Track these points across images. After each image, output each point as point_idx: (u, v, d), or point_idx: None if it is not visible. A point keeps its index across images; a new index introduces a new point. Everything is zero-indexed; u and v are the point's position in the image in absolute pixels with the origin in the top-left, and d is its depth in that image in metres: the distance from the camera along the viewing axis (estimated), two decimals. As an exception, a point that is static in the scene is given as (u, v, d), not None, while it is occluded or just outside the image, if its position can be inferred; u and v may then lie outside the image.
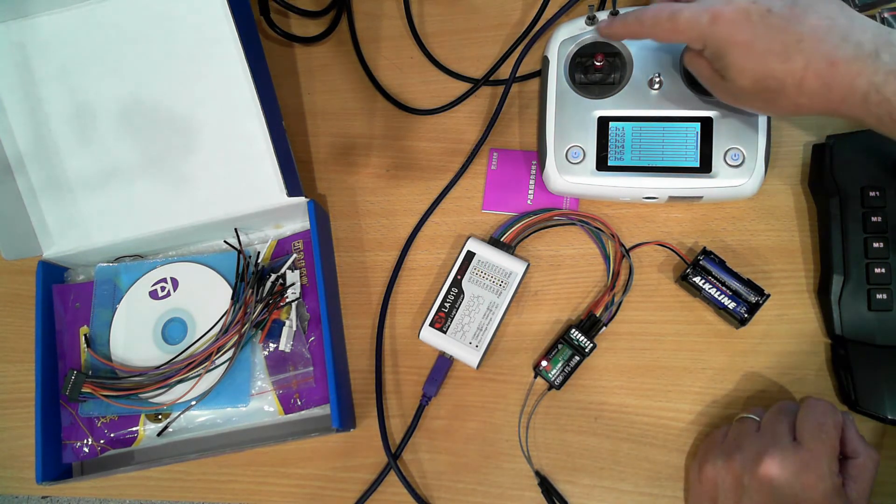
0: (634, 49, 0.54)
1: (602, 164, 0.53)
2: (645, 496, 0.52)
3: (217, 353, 0.52)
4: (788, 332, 0.53)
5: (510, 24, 0.62)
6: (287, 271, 0.55)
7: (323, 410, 0.54)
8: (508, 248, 0.56)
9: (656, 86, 0.52)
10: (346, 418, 0.53)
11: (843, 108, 0.40)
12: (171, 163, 0.56)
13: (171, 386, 0.53)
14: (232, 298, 0.54)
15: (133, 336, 0.55)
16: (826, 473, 0.41)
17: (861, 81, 0.39)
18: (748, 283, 0.51)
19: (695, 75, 0.48)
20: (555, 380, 0.53)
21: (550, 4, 0.61)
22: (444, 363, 0.55)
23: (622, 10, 0.54)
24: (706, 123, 0.52)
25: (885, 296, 0.49)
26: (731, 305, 0.51)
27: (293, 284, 0.55)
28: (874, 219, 0.50)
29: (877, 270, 0.50)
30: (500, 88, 0.60)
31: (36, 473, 0.52)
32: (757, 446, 0.44)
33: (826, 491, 0.41)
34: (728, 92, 0.46)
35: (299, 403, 0.53)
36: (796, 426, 0.44)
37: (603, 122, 0.53)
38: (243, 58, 0.52)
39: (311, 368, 0.54)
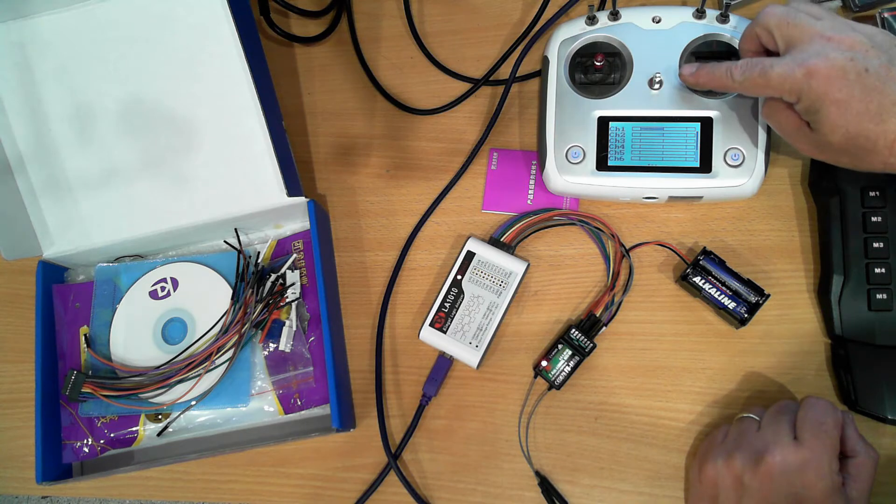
0: (634, 49, 0.53)
1: (602, 164, 0.53)
2: (645, 496, 0.52)
3: (217, 353, 0.52)
4: (788, 332, 0.53)
5: (510, 24, 0.62)
6: (287, 271, 0.55)
7: (323, 410, 0.54)
8: (508, 248, 0.56)
9: (656, 86, 0.52)
10: (346, 418, 0.53)
11: None
12: (171, 163, 0.56)
13: (171, 386, 0.53)
14: (232, 298, 0.54)
15: (133, 336, 0.55)
16: (827, 472, 0.41)
17: None
18: (748, 283, 0.51)
19: (774, 127, 0.48)
20: (555, 380, 0.53)
21: (550, 4, 0.61)
22: (444, 363, 0.55)
23: (622, 10, 0.54)
24: (706, 123, 0.52)
25: (885, 296, 0.49)
26: (732, 305, 0.51)
27: (293, 284, 0.55)
28: (874, 219, 0.50)
29: (877, 270, 0.50)
30: (500, 88, 0.60)
31: (36, 473, 0.52)
32: (757, 445, 0.44)
33: (827, 489, 0.41)
34: (815, 144, 0.45)
35: (299, 403, 0.53)
36: (796, 425, 0.44)
37: (603, 122, 0.53)
38: (243, 58, 0.53)
39: (311, 368, 0.54)
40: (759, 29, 0.46)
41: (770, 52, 0.46)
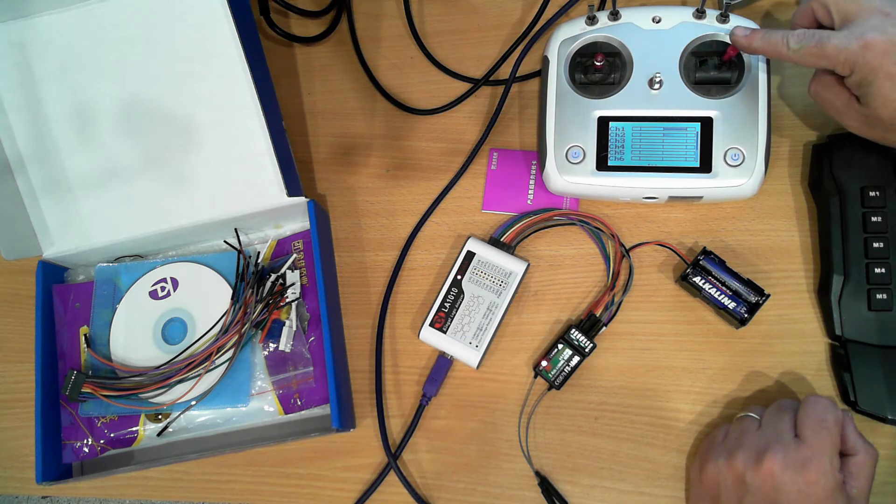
0: (634, 49, 0.53)
1: (602, 164, 0.53)
2: (645, 496, 0.52)
3: (217, 353, 0.52)
4: (788, 332, 0.53)
5: (510, 24, 0.62)
6: (287, 271, 0.55)
7: (323, 410, 0.54)
8: (508, 248, 0.56)
9: (656, 86, 0.52)
10: (346, 418, 0.53)
11: None
12: (171, 163, 0.56)
13: (171, 386, 0.53)
14: (232, 298, 0.54)
15: (133, 336, 0.55)
16: (828, 469, 0.41)
17: None
18: (748, 283, 0.51)
19: (820, 103, 0.48)
20: (555, 380, 0.53)
21: (550, 4, 0.61)
22: (444, 363, 0.55)
23: (622, 10, 0.54)
24: (706, 123, 0.52)
25: (885, 296, 0.49)
26: (732, 305, 0.51)
27: (293, 284, 0.55)
28: (874, 219, 0.50)
29: (877, 270, 0.50)
30: (500, 88, 0.60)
31: (36, 473, 0.52)
32: (758, 444, 0.44)
33: (828, 486, 0.41)
34: (863, 119, 0.46)
35: (299, 403, 0.53)
36: (797, 423, 0.44)
37: (603, 122, 0.53)
38: (243, 58, 0.53)
39: (311, 368, 0.54)
40: (815, 4, 0.46)
41: (825, 28, 0.46)
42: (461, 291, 0.55)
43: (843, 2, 0.44)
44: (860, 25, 0.43)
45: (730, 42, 0.50)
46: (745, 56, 0.52)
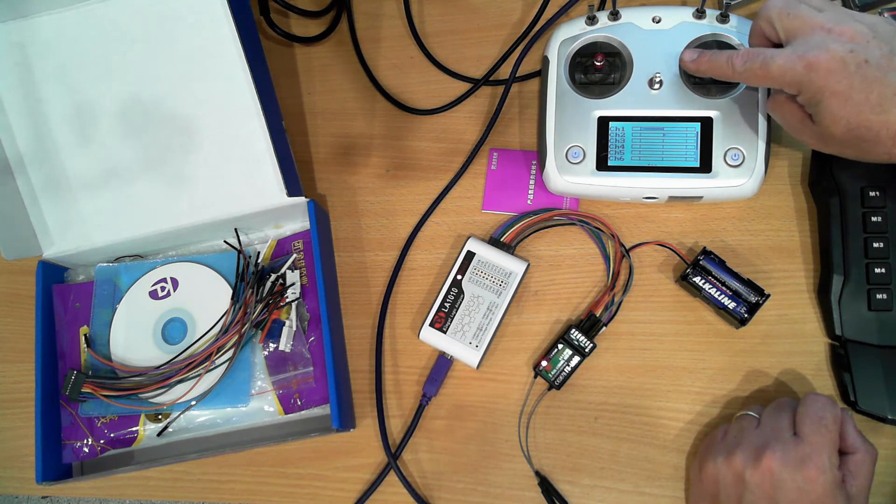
0: (634, 49, 0.53)
1: (602, 164, 0.53)
2: (645, 496, 0.52)
3: (217, 353, 0.52)
4: (788, 332, 0.53)
5: (510, 24, 0.62)
6: (287, 271, 0.55)
7: (323, 410, 0.54)
8: (508, 248, 0.56)
9: (656, 86, 0.52)
10: (346, 418, 0.53)
11: None
12: (171, 163, 0.56)
13: (171, 386, 0.53)
14: (232, 298, 0.54)
15: (133, 336, 0.55)
16: (827, 466, 0.42)
17: None
18: (748, 283, 0.51)
19: (778, 120, 0.48)
20: (555, 380, 0.53)
21: (550, 4, 0.61)
22: (444, 363, 0.55)
23: (622, 10, 0.54)
24: (706, 123, 0.52)
25: (885, 296, 0.49)
26: (732, 305, 0.51)
27: (293, 284, 0.55)
28: (874, 219, 0.50)
29: (877, 270, 0.50)
30: (500, 88, 0.60)
31: (36, 473, 0.52)
32: (757, 442, 0.44)
33: (827, 484, 0.41)
34: (818, 137, 0.45)
35: (299, 403, 0.53)
36: (796, 421, 0.44)
37: (603, 122, 0.53)
38: (243, 58, 0.53)
39: (311, 368, 0.54)
40: (762, 21, 0.46)
41: (776, 45, 0.46)
42: (461, 291, 0.55)
43: (787, 19, 0.44)
44: (804, 43, 0.43)
45: (682, 54, 0.51)
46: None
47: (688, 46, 0.53)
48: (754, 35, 0.47)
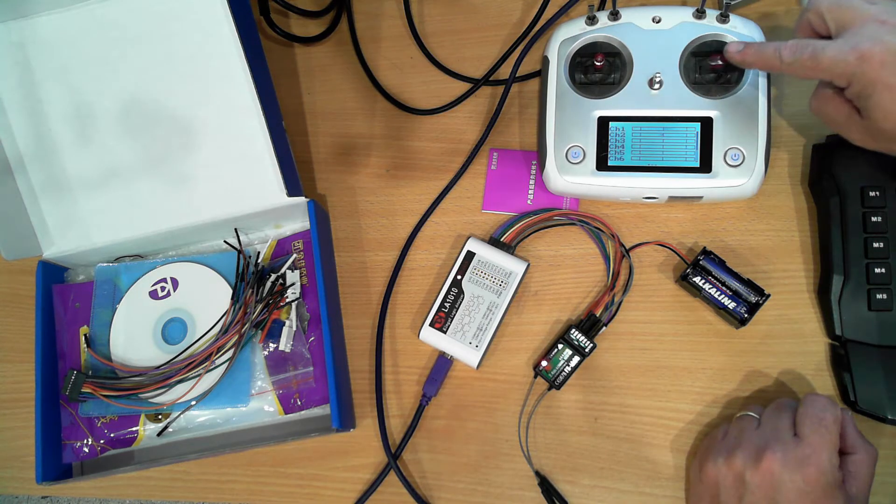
0: (634, 49, 0.53)
1: (602, 164, 0.53)
2: (645, 496, 0.52)
3: (217, 353, 0.52)
4: (788, 332, 0.53)
5: (510, 24, 0.62)
6: (287, 271, 0.55)
7: (323, 410, 0.54)
8: (508, 248, 0.56)
9: (656, 86, 0.52)
10: (346, 418, 0.53)
11: None
12: (171, 163, 0.56)
13: (171, 386, 0.53)
14: (232, 298, 0.54)
15: (133, 336, 0.55)
16: (827, 467, 0.41)
17: None
18: (748, 283, 0.51)
19: (822, 116, 0.47)
20: (555, 380, 0.53)
21: (550, 4, 0.61)
22: (444, 363, 0.55)
23: (622, 10, 0.54)
24: (706, 123, 0.52)
25: (885, 296, 0.49)
26: (732, 305, 0.51)
27: (293, 284, 0.55)
28: (874, 219, 0.50)
29: (877, 270, 0.50)
30: (500, 88, 0.60)
31: (36, 473, 0.52)
32: (757, 442, 0.44)
33: (827, 484, 0.41)
34: (866, 132, 0.44)
35: (299, 403, 0.53)
36: (796, 421, 0.44)
37: (603, 122, 0.53)
38: (243, 58, 0.52)
39: (311, 368, 0.54)
40: (811, 14, 0.45)
41: (823, 38, 0.45)
42: (461, 291, 0.55)
43: (839, 9, 0.43)
44: (856, 35, 0.42)
45: (728, 46, 0.50)
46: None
47: (687, 49, 0.52)
48: (801, 28, 0.46)
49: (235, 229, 0.57)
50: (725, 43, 0.52)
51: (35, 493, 0.87)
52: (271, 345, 0.54)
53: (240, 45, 0.52)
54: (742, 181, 0.51)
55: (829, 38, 0.44)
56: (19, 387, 0.61)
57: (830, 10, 0.43)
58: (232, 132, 0.55)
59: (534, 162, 0.58)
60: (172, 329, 0.56)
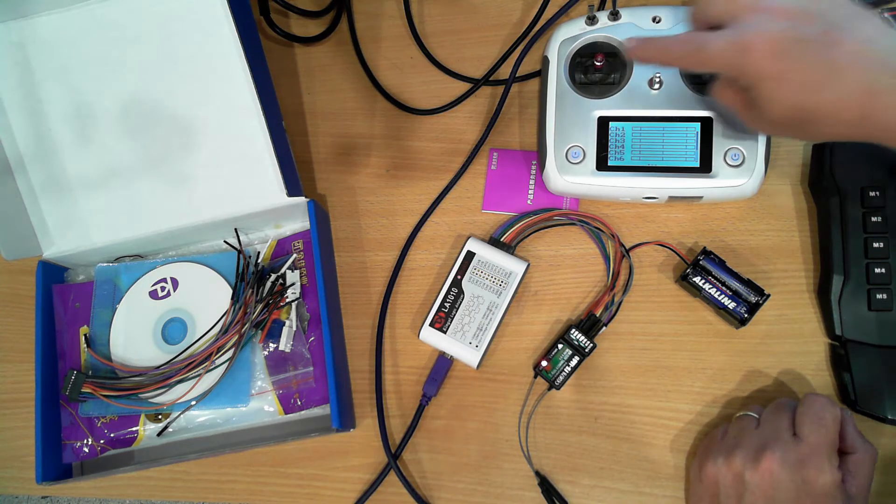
0: (634, 49, 0.53)
1: (602, 164, 0.53)
2: (645, 496, 0.52)
3: (217, 353, 0.52)
4: (788, 332, 0.53)
5: (510, 24, 0.62)
6: (287, 271, 0.55)
7: (323, 410, 0.54)
8: (508, 248, 0.56)
9: (656, 86, 0.52)
10: (346, 418, 0.53)
11: (883, 137, 0.39)
12: (171, 163, 0.56)
13: (171, 386, 0.53)
14: (232, 298, 0.54)
15: (133, 336, 0.55)
16: (826, 466, 0.42)
17: None
18: (748, 283, 0.51)
19: (722, 106, 0.47)
20: (555, 380, 0.53)
21: (550, 4, 0.61)
22: (444, 363, 0.55)
23: (622, 10, 0.54)
24: (706, 123, 0.52)
25: (885, 296, 0.49)
26: (731, 305, 0.51)
27: (293, 284, 0.55)
28: (874, 219, 0.50)
29: (877, 270, 0.50)
30: (500, 88, 0.60)
31: (36, 473, 0.52)
32: (757, 442, 0.44)
33: (826, 484, 0.41)
34: (760, 121, 0.44)
35: (299, 403, 0.53)
36: (795, 421, 0.44)
37: (603, 122, 0.53)
38: (243, 58, 0.52)
39: (311, 368, 0.54)
40: (701, 4, 0.44)
41: (715, 29, 0.44)
42: (461, 291, 0.55)
43: (722, 1, 0.42)
44: (739, 25, 0.41)
45: (625, 42, 0.49)
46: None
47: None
48: (693, 20, 0.45)
49: (235, 229, 0.57)
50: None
51: (35, 493, 0.87)
52: (271, 345, 0.54)
53: (240, 45, 0.52)
54: (742, 181, 0.51)
55: (719, 28, 0.43)
56: (19, 387, 0.61)
57: (716, 1, 0.43)
58: (232, 132, 0.55)
59: (534, 162, 0.58)
60: (172, 329, 0.56)
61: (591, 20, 0.54)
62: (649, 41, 0.46)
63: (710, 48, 0.42)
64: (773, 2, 0.40)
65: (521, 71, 0.59)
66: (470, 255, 0.55)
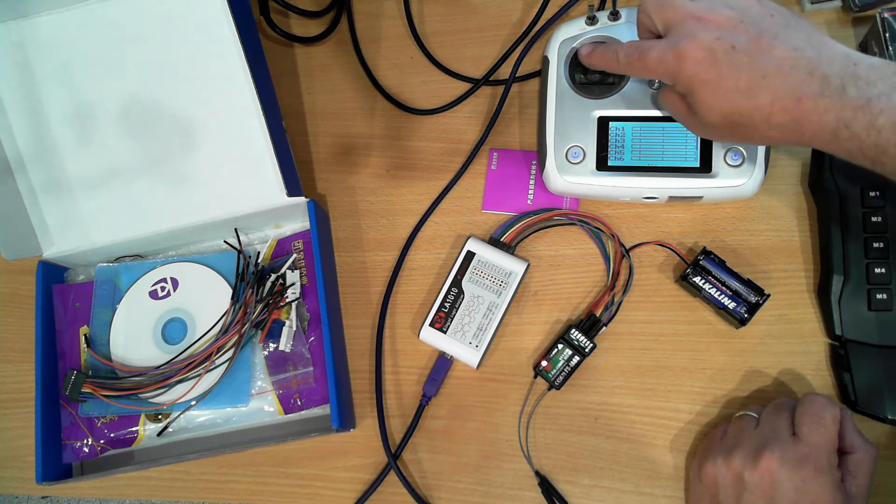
0: (634, 49, 0.53)
1: (602, 164, 0.53)
2: (645, 496, 0.52)
3: (217, 353, 0.52)
4: (788, 332, 0.53)
5: (510, 24, 0.62)
6: (287, 271, 0.55)
7: (323, 410, 0.54)
8: (508, 248, 0.56)
9: (656, 85, 0.52)
10: (346, 418, 0.53)
11: (814, 141, 0.40)
12: (171, 163, 0.56)
13: (171, 386, 0.53)
14: (232, 298, 0.54)
15: (133, 336, 0.55)
16: (826, 466, 0.42)
17: (829, 118, 0.38)
18: (748, 283, 0.51)
19: (668, 111, 0.49)
20: (555, 380, 0.53)
21: (550, 4, 0.61)
22: (444, 363, 0.55)
23: (622, 10, 0.54)
24: (706, 123, 0.52)
25: (885, 296, 0.49)
26: (731, 305, 0.51)
27: (293, 284, 0.55)
28: (874, 219, 0.50)
29: (877, 270, 0.50)
30: (500, 88, 0.60)
31: (36, 473, 0.52)
32: (756, 442, 0.44)
33: (826, 484, 0.41)
34: (700, 126, 0.46)
35: (299, 403, 0.53)
36: (795, 420, 0.44)
37: (603, 122, 0.53)
38: (243, 58, 0.52)
39: (311, 368, 0.54)
40: (641, 14, 0.46)
41: (659, 36, 0.46)
42: (461, 291, 0.55)
43: (661, 9, 0.44)
44: (675, 34, 0.42)
45: (580, 48, 0.51)
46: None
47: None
48: (639, 27, 0.47)
49: (235, 229, 0.57)
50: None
51: (35, 493, 0.87)
52: (271, 345, 0.54)
53: (240, 45, 0.52)
54: (742, 181, 0.51)
55: (660, 36, 0.45)
56: (19, 387, 0.61)
57: (655, 10, 0.44)
58: (232, 132, 0.55)
59: (534, 162, 0.58)
60: (172, 329, 0.56)
61: (591, 20, 0.54)
62: (599, 47, 0.49)
63: (650, 56, 0.43)
64: (708, 11, 0.42)
65: (521, 71, 0.59)
66: (470, 255, 0.55)
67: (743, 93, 0.40)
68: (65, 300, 0.57)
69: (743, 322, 0.51)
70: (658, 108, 0.52)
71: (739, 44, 0.40)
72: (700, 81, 0.42)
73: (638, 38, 0.48)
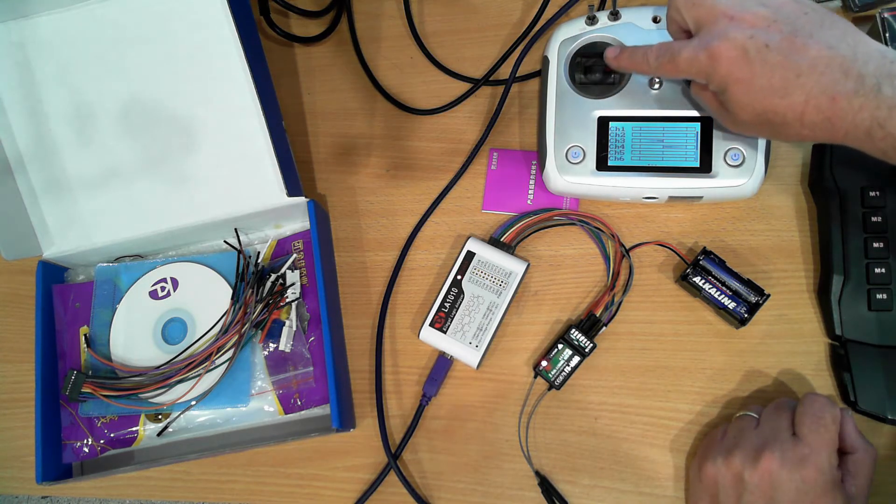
0: (634, 49, 0.53)
1: (602, 164, 0.53)
2: (645, 496, 0.52)
3: (217, 353, 0.52)
4: (788, 332, 0.53)
5: (510, 24, 0.62)
6: (287, 271, 0.55)
7: (323, 410, 0.54)
8: (508, 248, 0.56)
9: (656, 86, 0.52)
10: (346, 418, 0.53)
11: (847, 140, 0.40)
12: (171, 163, 0.56)
13: (171, 386, 0.53)
14: (232, 298, 0.54)
15: (133, 336, 0.55)
16: (826, 466, 0.42)
17: (864, 116, 0.38)
18: (748, 283, 0.51)
19: (703, 107, 0.49)
20: (555, 380, 0.53)
21: (550, 4, 0.61)
22: (444, 363, 0.55)
23: (622, 10, 0.54)
24: (706, 123, 0.52)
25: (885, 296, 0.49)
26: (731, 305, 0.51)
27: (293, 284, 0.55)
28: (874, 219, 0.50)
29: (877, 270, 0.50)
30: (500, 88, 0.60)
31: (36, 473, 0.52)
32: (756, 442, 0.44)
33: (826, 484, 0.41)
34: (733, 123, 0.46)
35: (299, 403, 0.53)
36: (795, 421, 0.44)
37: (603, 122, 0.53)
38: (243, 58, 0.52)
39: (311, 368, 0.54)
40: (672, 12, 0.46)
41: (688, 35, 0.46)
42: (461, 291, 0.55)
43: (693, 8, 0.44)
44: (708, 33, 0.42)
45: (607, 51, 0.51)
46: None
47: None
48: (669, 23, 0.47)
49: (235, 229, 0.57)
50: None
51: (35, 493, 0.87)
52: (271, 345, 0.54)
53: (240, 45, 0.52)
54: (742, 181, 0.51)
55: (690, 34, 0.45)
56: (19, 387, 0.61)
57: (686, 9, 0.44)
58: (232, 132, 0.55)
59: (534, 162, 0.58)
60: (172, 329, 0.56)
61: (591, 20, 0.54)
62: (627, 50, 0.49)
63: (682, 57, 0.43)
64: (741, 9, 0.42)
65: (521, 71, 0.59)
66: (470, 255, 0.55)
67: (776, 91, 0.40)
68: (65, 300, 0.57)
69: (743, 322, 0.51)
70: (689, 101, 0.51)
71: (773, 42, 0.40)
72: (733, 80, 0.41)
73: (668, 35, 0.48)
